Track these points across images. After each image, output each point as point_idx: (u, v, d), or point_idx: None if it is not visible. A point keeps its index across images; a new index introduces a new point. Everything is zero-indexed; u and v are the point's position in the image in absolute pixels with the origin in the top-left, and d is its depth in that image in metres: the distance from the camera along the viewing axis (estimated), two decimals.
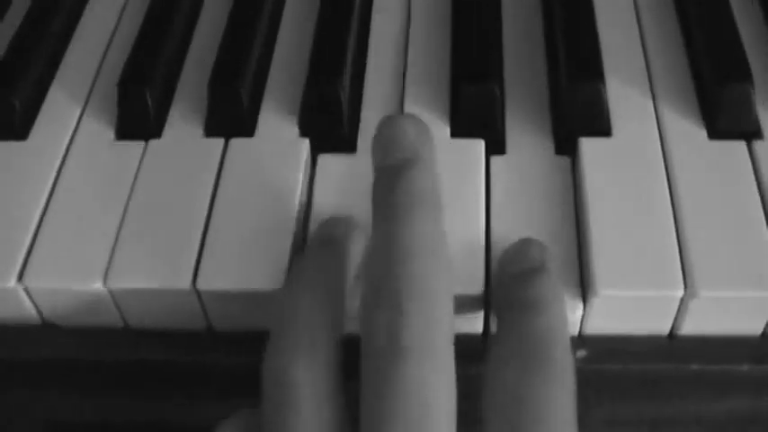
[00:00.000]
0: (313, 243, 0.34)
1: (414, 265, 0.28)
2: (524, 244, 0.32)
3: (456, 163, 0.36)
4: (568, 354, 0.28)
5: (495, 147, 0.37)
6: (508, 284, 0.31)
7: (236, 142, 0.38)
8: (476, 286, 0.33)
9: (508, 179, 0.36)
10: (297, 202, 0.35)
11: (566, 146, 0.37)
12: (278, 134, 0.38)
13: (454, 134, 0.38)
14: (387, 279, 0.28)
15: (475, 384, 0.28)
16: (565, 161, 0.37)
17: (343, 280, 0.31)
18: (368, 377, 0.27)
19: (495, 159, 0.37)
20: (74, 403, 0.38)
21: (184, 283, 0.33)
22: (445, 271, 0.28)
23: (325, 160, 0.38)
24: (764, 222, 0.34)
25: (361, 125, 0.39)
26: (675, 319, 0.33)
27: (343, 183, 0.37)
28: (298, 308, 0.30)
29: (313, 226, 0.35)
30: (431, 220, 0.29)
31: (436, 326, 0.27)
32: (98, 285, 0.34)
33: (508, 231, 0.34)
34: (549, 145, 0.38)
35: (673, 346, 0.34)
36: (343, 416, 0.28)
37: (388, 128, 0.31)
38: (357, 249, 0.33)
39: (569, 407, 0.27)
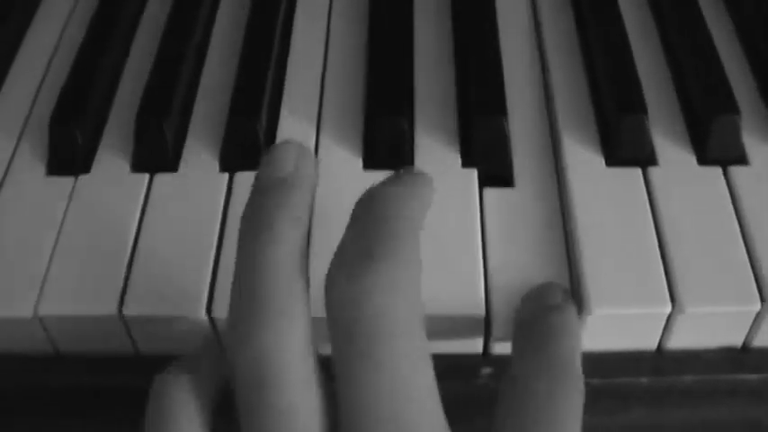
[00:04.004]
0: (262, 186, 0.31)
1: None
2: (550, 285, 0.36)
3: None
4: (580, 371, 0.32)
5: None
6: (538, 314, 0.34)
7: (161, 178, 0.40)
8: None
9: None
10: (216, 234, 0.37)
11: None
12: (200, 169, 0.40)
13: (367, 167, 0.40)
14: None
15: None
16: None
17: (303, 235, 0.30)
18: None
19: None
20: None
21: (111, 309, 0.35)
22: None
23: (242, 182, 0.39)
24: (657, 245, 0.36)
25: None
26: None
27: None
28: (259, 283, 0.29)
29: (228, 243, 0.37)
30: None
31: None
32: (28, 314, 0.35)
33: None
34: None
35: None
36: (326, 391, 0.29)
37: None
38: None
39: (580, 415, 0.31)
